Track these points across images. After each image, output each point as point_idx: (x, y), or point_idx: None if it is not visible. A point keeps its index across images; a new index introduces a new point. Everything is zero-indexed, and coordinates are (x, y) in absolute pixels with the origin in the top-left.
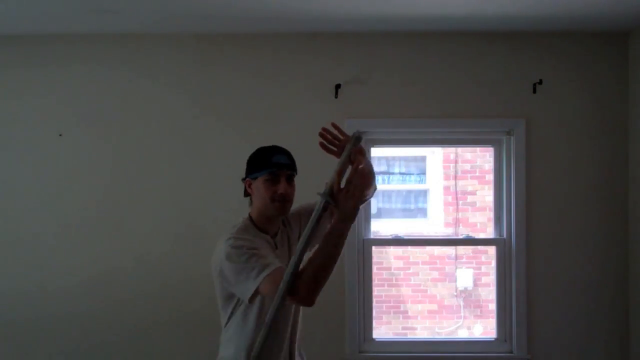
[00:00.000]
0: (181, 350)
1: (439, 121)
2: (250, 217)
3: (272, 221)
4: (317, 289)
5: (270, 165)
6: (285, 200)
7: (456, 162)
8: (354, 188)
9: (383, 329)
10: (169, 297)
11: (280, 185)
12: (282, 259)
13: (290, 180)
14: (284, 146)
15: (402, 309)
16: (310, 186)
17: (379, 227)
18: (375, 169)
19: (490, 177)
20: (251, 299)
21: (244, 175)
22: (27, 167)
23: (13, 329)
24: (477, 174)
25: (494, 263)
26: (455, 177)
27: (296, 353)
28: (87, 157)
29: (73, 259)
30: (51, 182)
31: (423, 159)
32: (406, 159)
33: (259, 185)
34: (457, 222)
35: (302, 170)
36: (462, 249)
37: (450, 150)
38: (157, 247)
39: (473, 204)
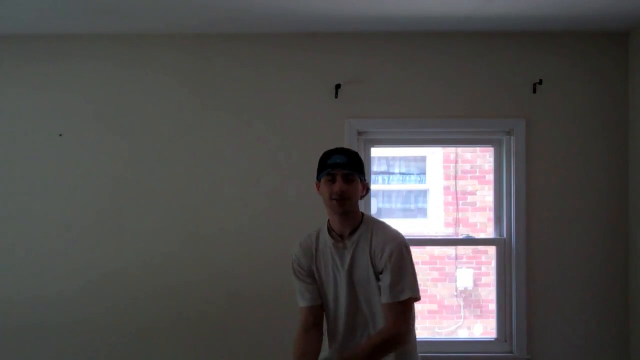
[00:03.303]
0: (183, 354)
1: (439, 121)
2: (328, 220)
3: (340, 222)
4: None
5: (327, 166)
6: (342, 198)
7: (456, 162)
8: None
9: None
10: (170, 300)
11: (336, 184)
12: (341, 262)
13: (347, 178)
14: (283, 145)
15: None
16: (311, 185)
17: None
18: (375, 168)
19: (490, 177)
20: None
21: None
22: (27, 167)
23: (13, 333)
24: (477, 174)
25: (494, 263)
26: (455, 177)
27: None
28: (87, 157)
29: (73, 261)
30: (51, 182)
31: (423, 159)
32: (406, 159)
33: (322, 186)
34: (457, 222)
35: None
36: (462, 249)
37: (450, 150)
38: (159, 249)
39: (473, 204)
